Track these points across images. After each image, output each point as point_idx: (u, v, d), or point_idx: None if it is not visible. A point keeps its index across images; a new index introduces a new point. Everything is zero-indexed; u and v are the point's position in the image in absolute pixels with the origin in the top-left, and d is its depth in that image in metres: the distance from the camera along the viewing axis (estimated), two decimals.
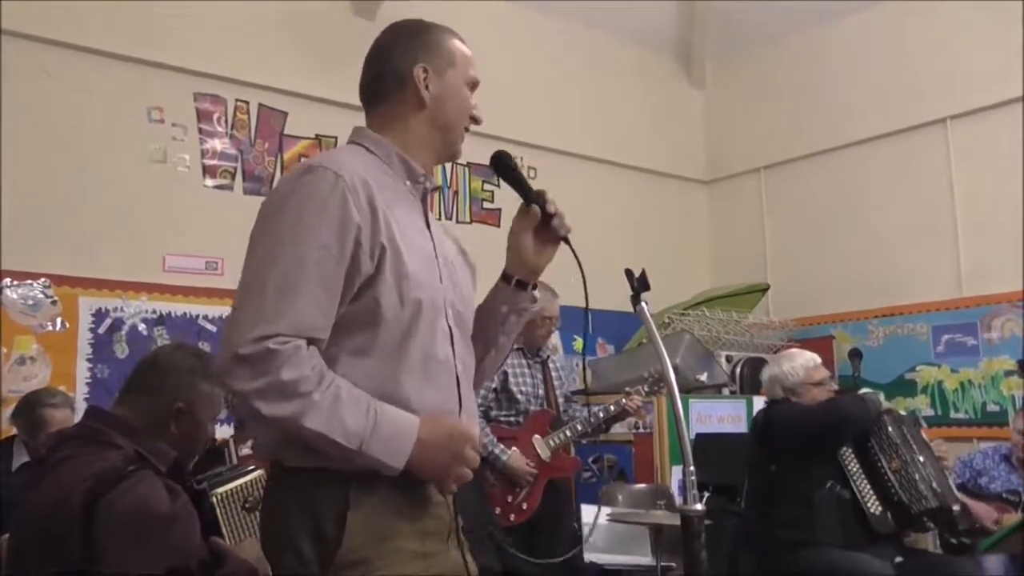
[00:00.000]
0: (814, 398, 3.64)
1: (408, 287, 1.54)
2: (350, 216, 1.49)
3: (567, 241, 1.75)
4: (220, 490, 2.36)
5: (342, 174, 1.51)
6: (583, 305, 1.71)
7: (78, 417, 3.68)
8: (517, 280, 1.76)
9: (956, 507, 3.57)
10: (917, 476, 3.53)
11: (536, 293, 1.82)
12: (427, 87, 1.66)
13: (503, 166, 1.75)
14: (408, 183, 1.67)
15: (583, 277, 1.73)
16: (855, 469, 3.57)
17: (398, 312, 1.53)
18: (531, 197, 1.73)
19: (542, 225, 1.72)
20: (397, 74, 1.67)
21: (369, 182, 1.55)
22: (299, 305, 1.45)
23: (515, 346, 3.26)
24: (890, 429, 3.62)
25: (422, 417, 1.51)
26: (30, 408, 3.54)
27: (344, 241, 1.48)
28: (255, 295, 1.46)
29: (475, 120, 1.75)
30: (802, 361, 3.71)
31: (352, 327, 1.52)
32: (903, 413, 3.91)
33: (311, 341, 1.46)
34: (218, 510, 2.33)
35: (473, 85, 1.75)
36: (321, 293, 1.47)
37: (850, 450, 3.59)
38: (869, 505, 3.48)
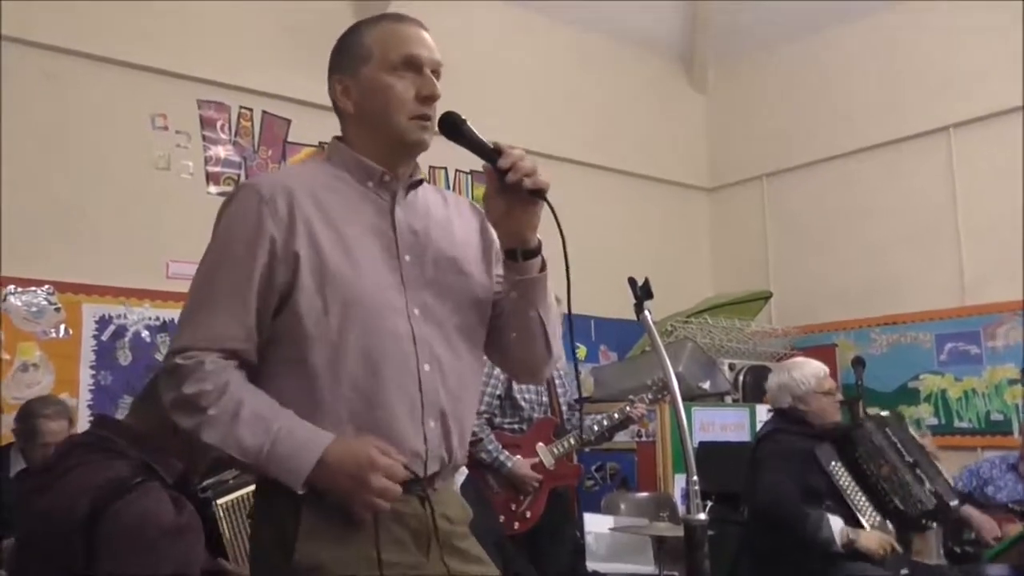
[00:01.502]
0: (822, 408, 3.63)
1: (333, 291, 1.52)
2: (263, 228, 1.52)
3: (535, 192, 1.54)
4: (224, 499, 2.36)
5: (260, 189, 1.56)
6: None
7: (80, 425, 3.72)
8: (506, 251, 1.64)
9: (955, 503, 3.54)
10: (909, 478, 3.49)
11: (535, 262, 1.63)
12: (347, 95, 1.64)
13: (449, 127, 1.58)
14: (370, 184, 1.64)
15: (562, 238, 1.52)
16: (847, 483, 3.52)
17: (321, 318, 1.51)
18: (487, 154, 1.56)
19: (505, 183, 1.55)
20: (329, 94, 1.68)
21: (295, 192, 1.56)
22: (211, 318, 1.52)
23: None
24: (873, 436, 3.59)
25: (338, 438, 1.48)
26: (26, 416, 3.57)
27: (256, 253, 1.52)
28: (182, 313, 1.57)
29: (423, 99, 1.60)
30: (812, 370, 3.68)
31: (283, 339, 1.54)
32: (883, 414, 3.86)
33: (229, 353, 1.51)
34: (223, 519, 2.33)
35: (407, 63, 1.60)
36: (233, 305, 1.51)
37: (839, 464, 3.54)
38: (866, 518, 3.43)
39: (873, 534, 3.40)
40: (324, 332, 1.51)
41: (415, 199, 1.69)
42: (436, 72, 1.64)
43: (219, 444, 1.47)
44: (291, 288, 1.52)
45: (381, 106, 1.60)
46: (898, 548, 3.37)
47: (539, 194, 1.55)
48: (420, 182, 1.70)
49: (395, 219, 1.63)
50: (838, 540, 3.32)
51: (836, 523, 3.36)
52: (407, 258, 1.61)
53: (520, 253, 1.61)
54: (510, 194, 1.55)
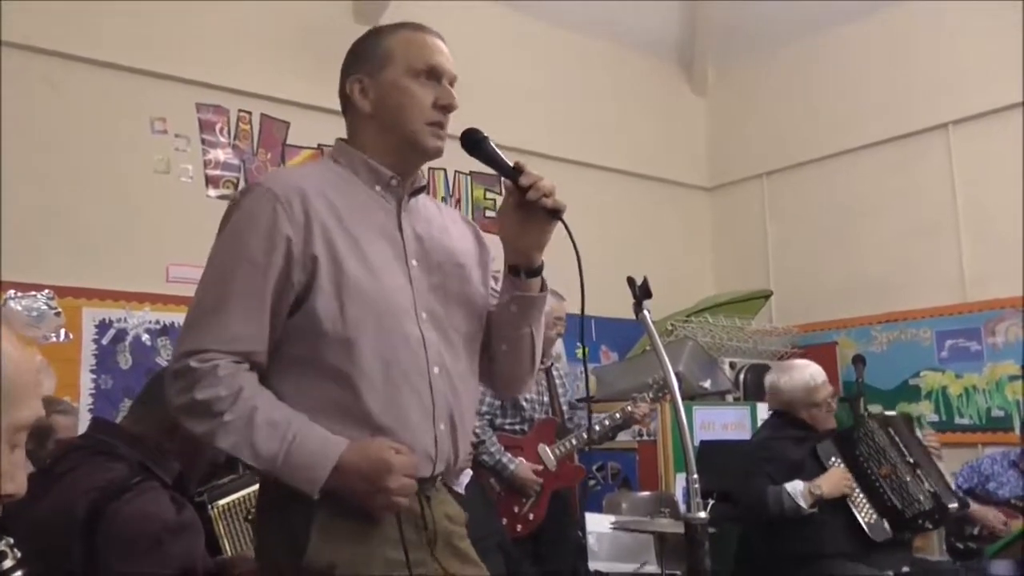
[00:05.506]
0: (811, 416, 3.64)
1: (350, 294, 1.53)
2: (279, 229, 1.52)
3: (552, 213, 1.58)
4: (221, 502, 2.36)
5: (274, 189, 1.55)
6: (587, 312, 1.67)
7: (79, 429, 3.71)
8: (510, 266, 1.69)
9: (953, 505, 3.53)
10: (908, 479, 3.50)
11: (536, 281, 1.69)
12: (365, 95, 1.66)
13: (470, 143, 1.64)
14: (378, 188, 1.66)
15: (578, 259, 1.59)
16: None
17: (337, 320, 1.52)
18: (507, 171, 1.61)
19: (524, 200, 1.60)
20: (342, 91, 1.71)
21: (308, 194, 1.56)
22: (225, 320, 1.50)
23: None
24: (876, 436, 3.61)
25: (352, 442, 1.48)
26: None
27: (272, 254, 1.51)
28: (191, 313, 1.54)
29: (441, 108, 1.63)
30: (803, 378, 3.65)
31: (297, 339, 1.54)
32: (891, 414, 3.88)
33: (242, 355, 1.50)
34: (219, 522, 2.33)
35: (428, 72, 1.64)
36: (247, 306, 1.50)
37: (839, 461, 3.55)
38: (863, 514, 3.44)
39: (832, 474, 3.43)
40: (340, 333, 1.52)
41: (416, 206, 1.72)
42: (452, 84, 1.67)
43: (233, 450, 1.47)
44: (308, 290, 1.53)
45: (399, 108, 1.62)
46: (854, 485, 3.43)
47: (556, 214, 1.59)
48: (422, 189, 1.73)
49: (401, 223, 1.65)
50: (803, 503, 3.33)
51: (795, 487, 3.37)
52: (414, 263, 1.64)
53: (524, 271, 1.66)
54: (526, 211, 1.60)
